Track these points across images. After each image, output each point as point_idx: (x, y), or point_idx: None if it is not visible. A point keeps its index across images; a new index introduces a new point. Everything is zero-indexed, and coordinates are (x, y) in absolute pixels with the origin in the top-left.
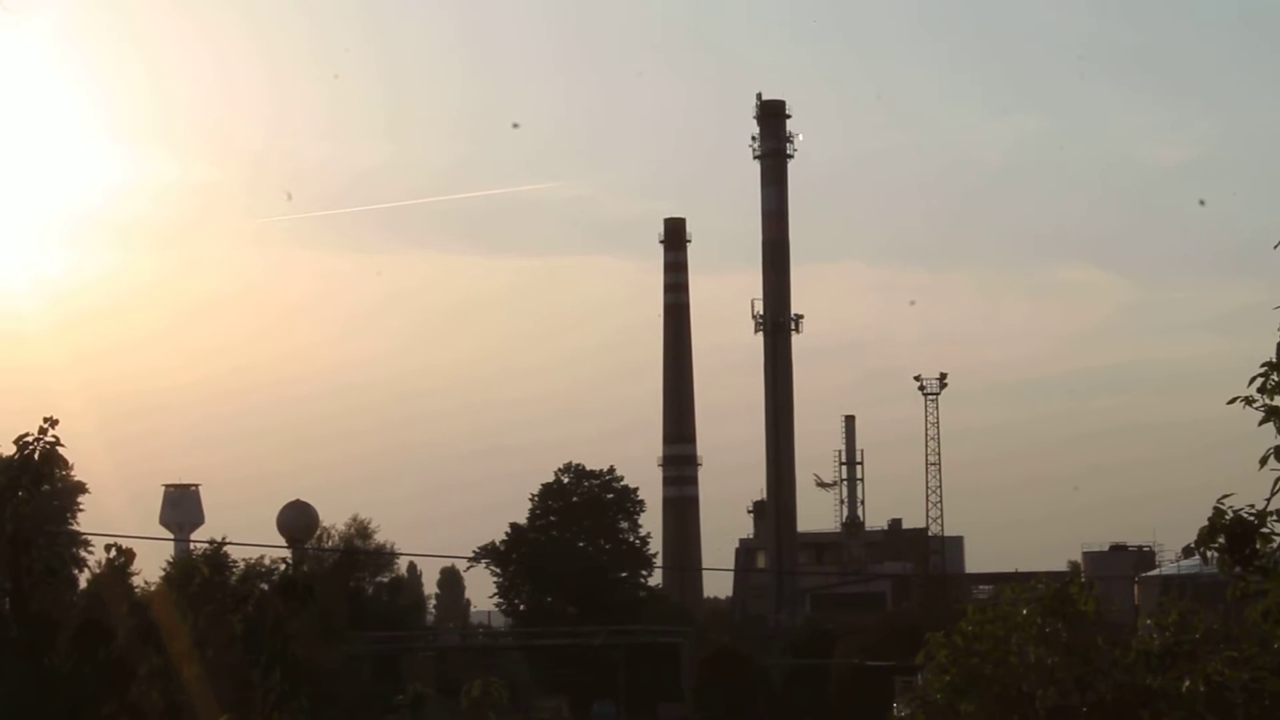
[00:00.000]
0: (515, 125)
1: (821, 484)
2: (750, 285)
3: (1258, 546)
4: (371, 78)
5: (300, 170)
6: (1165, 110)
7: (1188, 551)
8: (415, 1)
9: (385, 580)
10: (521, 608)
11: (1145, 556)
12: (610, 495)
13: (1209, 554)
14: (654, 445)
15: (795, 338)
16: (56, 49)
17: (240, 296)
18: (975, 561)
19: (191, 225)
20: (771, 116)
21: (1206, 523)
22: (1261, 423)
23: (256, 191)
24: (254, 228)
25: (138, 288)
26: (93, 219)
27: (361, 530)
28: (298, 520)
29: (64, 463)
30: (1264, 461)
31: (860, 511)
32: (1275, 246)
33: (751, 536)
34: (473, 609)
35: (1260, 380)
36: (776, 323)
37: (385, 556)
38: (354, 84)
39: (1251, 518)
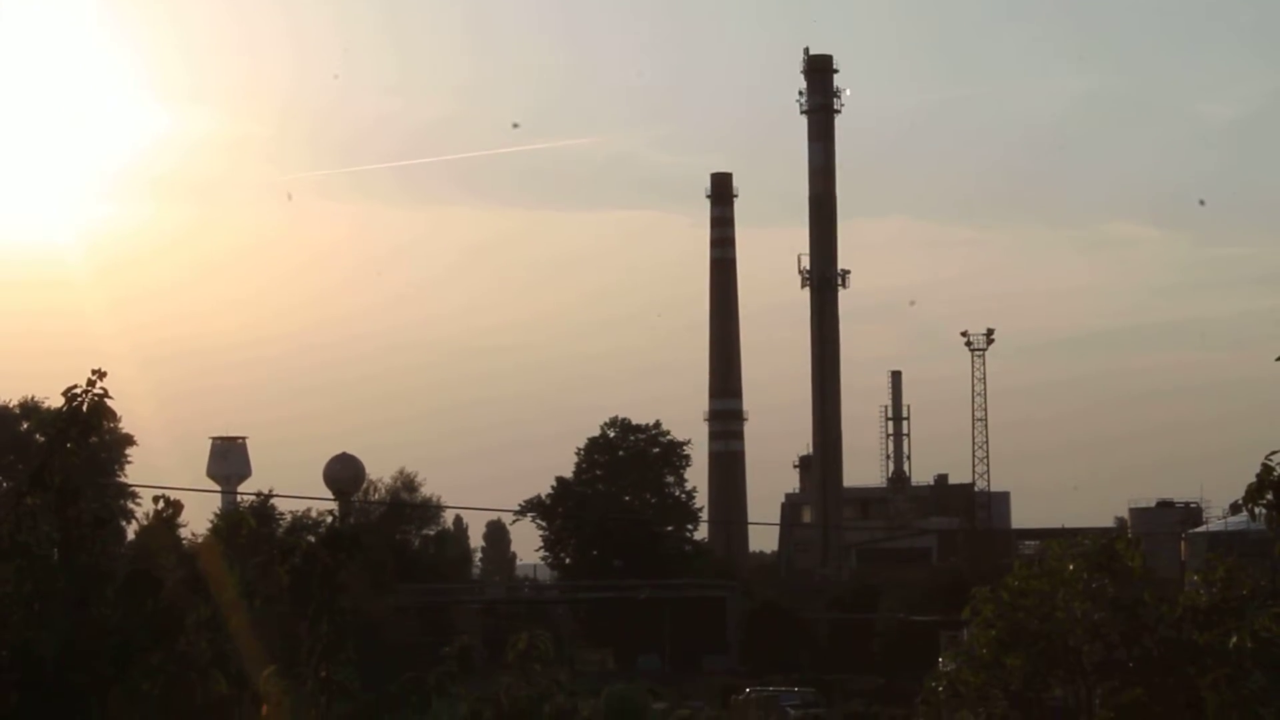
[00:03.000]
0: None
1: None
2: (797, 241)
3: None
4: (402, 34)
5: (354, 124)
6: (1224, 65)
7: (1235, 508)
8: None
9: (431, 533)
10: (567, 561)
11: (1192, 513)
12: (656, 450)
13: (1257, 511)
14: (700, 400)
15: (842, 293)
16: (94, 6)
17: (285, 251)
18: (1021, 517)
19: (226, 179)
20: (818, 71)
21: (1255, 479)
22: None
23: (308, 144)
24: (294, 181)
25: (179, 240)
26: (151, 174)
27: (408, 484)
28: (344, 473)
29: (112, 415)
30: None
31: (906, 467)
32: None
33: (797, 491)
34: (518, 562)
35: None
36: (823, 278)
37: (431, 510)
38: (406, 37)
39: None
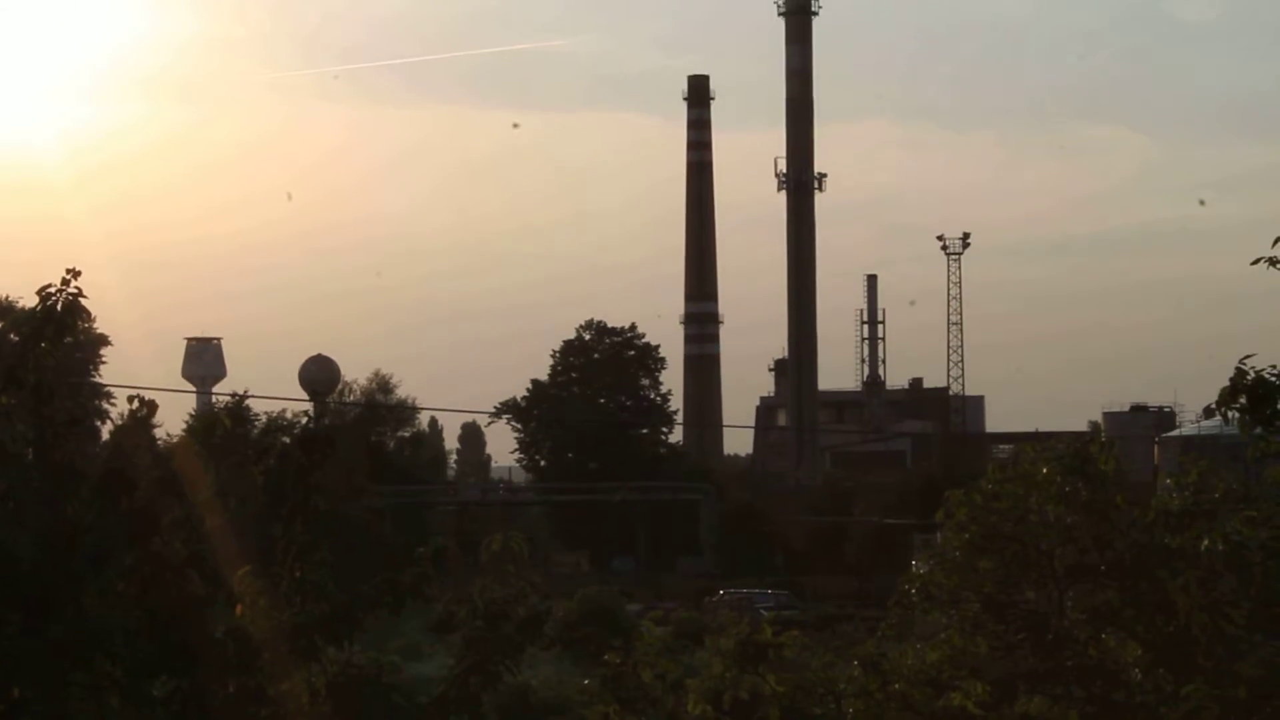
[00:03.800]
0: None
1: None
2: (774, 143)
3: (1279, 407)
4: None
5: (319, 22)
6: None
7: (1208, 412)
8: None
9: (406, 435)
10: (542, 463)
11: (1166, 417)
12: (631, 352)
13: (1230, 414)
14: (676, 302)
15: (818, 196)
16: None
17: (260, 150)
18: (996, 421)
19: (211, 79)
20: None
21: (1228, 383)
22: None
23: (275, 45)
24: (271, 80)
25: (158, 140)
26: (115, 71)
27: (383, 385)
28: (319, 374)
29: (86, 314)
30: None
31: (881, 370)
32: None
33: (772, 394)
34: (493, 464)
35: None
36: (799, 181)
37: (407, 411)
38: None
39: (1273, 378)
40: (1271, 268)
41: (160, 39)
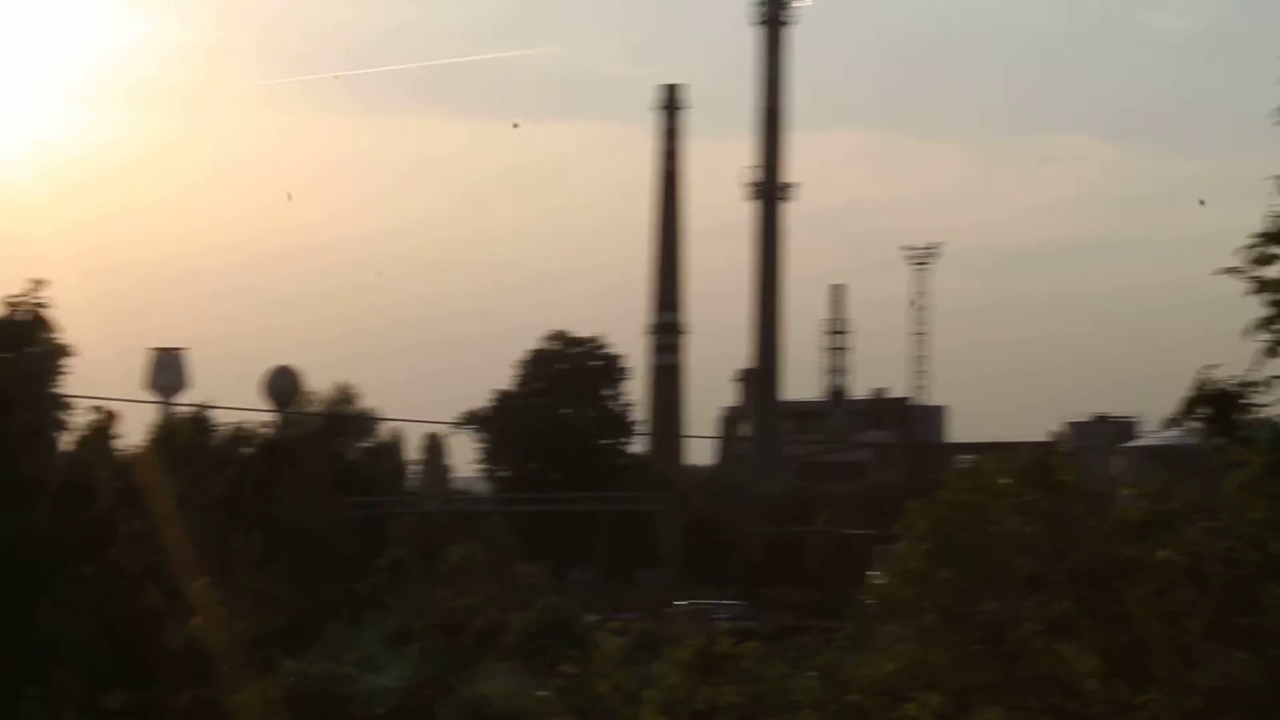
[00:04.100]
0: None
1: None
2: (745, 153)
3: (1239, 417)
4: None
5: (306, 33)
6: None
7: (1170, 422)
8: None
9: (369, 445)
10: (505, 474)
11: (1128, 427)
12: (596, 363)
13: (1191, 424)
14: (641, 312)
15: (787, 206)
16: None
17: (229, 162)
18: (958, 431)
19: (170, 87)
20: None
21: (1189, 393)
22: (1248, 293)
23: (224, 53)
24: (221, 90)
25: (135, 152)
26: (99, 81)
27: (346, 395)
28: (282, 385)
29: (50, 325)
30: (1248, 332)
31: (846, 381)
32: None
33: (736, 404)
34: (455, 475)
35: (1248, 251)
36: (769, 191)
37: (369, 421)
38: None
39: (1234, 388)
40: (1235, 277)
41: (111, 46)
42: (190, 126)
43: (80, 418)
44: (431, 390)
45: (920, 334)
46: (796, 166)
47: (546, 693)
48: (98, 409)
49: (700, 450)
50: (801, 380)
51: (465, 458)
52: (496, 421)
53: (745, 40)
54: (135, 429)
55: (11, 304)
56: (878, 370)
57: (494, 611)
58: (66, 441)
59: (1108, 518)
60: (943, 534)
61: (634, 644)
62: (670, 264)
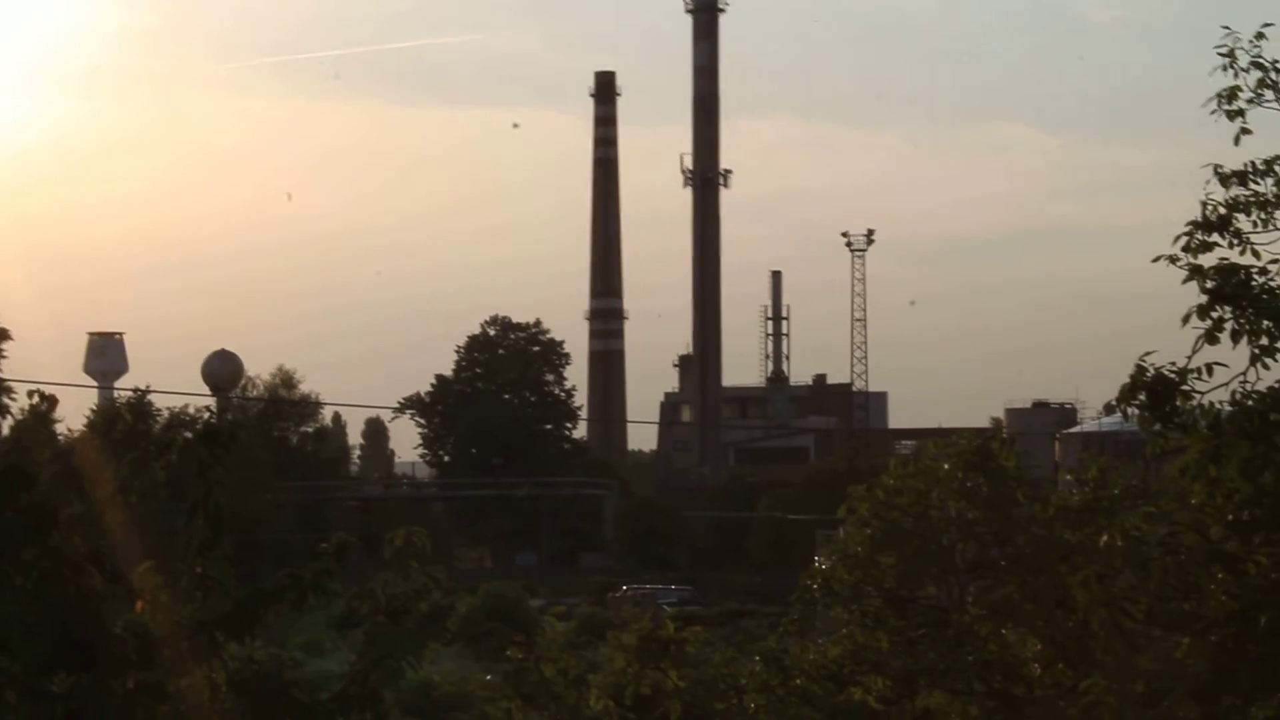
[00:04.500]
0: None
1: None
2: (681, 140)
3: (1178, 404)
4: None
5: (233, 17)
6: None
7: (1109, 409)
8: None
9: (310, 430)
10: (446, 459)
11: (1068, 414)
12: (536, 348)
13: (1130, 411)
14: (581, 298)
15: (723, 193)
16: None
17: (164, 147)
18: (899, 417)
19: (106, 70)
20: None
21: (1128, 380)
22: (1185, 281)
23: (186, 36)
24: (163, 72)
25: (59, 133)
26: (34, 65)
27: (287, 380)
28: (223, 369)
29: None
30: (1186, 320)
31: (786, 367)
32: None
33: (677, 390)
34: (397, 460)
35: (1184, 239)
36: (705, 178)
37: (310, 406)
38: None
39: (1173, 375)
40: (1172, 265)
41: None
42: (138, 109)
43: (19, 402)
44: (373, 376)
45: (860, 320)
46: (735, 154)
47: (492, 677)
48: (37, 392)
49: (642, 436)
50: (742, 366)
51: (407, 443)
52: (437, 407)
53: (681, 27)
54: (76, 413)
55: None
56: (818, 357)
57: (439, 595)
58: (5, 425)
59: (1049, 503)
60: (885, 519)
61: (579, 629)
62: (609, 250)
